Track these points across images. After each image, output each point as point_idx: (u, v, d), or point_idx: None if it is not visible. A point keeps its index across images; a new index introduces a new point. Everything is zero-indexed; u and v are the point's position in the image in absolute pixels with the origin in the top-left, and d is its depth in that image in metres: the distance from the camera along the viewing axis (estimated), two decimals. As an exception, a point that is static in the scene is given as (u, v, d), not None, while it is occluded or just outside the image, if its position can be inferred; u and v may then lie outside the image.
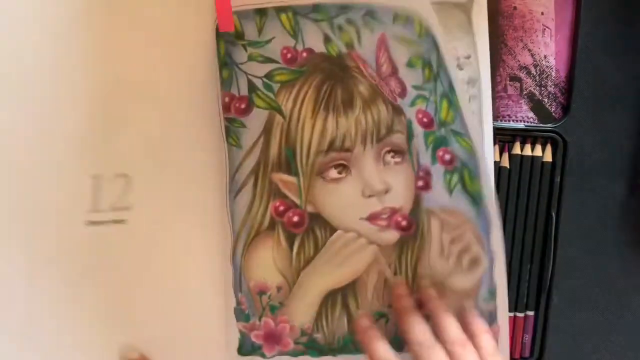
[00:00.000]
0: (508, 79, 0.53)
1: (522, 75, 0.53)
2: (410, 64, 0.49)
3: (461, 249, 0.51)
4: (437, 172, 0.50)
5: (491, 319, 0.52)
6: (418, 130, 0.49)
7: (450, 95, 0.49)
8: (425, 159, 0.50)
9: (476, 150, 0.50)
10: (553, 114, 0.54)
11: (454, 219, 0.51)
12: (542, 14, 0.53)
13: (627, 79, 0.53)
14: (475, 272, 0.51)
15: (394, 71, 0.49)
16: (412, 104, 0.49)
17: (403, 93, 0.49)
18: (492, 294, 0.51)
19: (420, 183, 0.50)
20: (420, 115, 0.49)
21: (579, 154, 0.54)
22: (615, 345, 0.57)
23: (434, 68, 0.49)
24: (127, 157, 0.47)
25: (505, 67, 0.53)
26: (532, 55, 0.53)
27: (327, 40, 0.48)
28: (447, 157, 0.50)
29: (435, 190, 0.50)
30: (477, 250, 0.51)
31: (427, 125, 0.49)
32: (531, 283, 0.56)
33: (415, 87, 0.49)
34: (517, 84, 0.54)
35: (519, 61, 0.53)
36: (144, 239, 0.48)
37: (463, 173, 0.50)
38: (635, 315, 0.56)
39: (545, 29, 0.53)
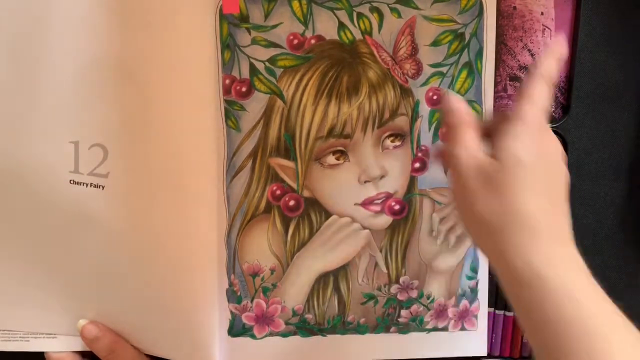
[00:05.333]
0: (508, 79, 0.54)
1: (522, 75, 0.54)
2: (434, 43, 0.49)
3: (449, 228, 0.52)
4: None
5: (473, 295, 0.52)
6: (425, 110, 0.50)
7: (474, 61, 0.50)
8: (426, 139, 0.50)
9: (485, 115, 0.51)
10: (553, 114, 0.54)
11: (444, 198, 0.52)
12: (542, 14, 0.53)
13: (627, 79, 0.53)
14: (461, 249, 0.52)
15: (413, 52, 0.49)
16: (425, 83, 0.50)
17: (417, 73, 0.49)
18: (475, 270, 0.52)
19: (417, 165, 0.51)
20: (430, 94, 0.50)
21: (579, 154, 0.54)
22: (615, 345, 0.56)
23: (465, 37, 0.50)
24: (105, 130, 0.47)
25: (505, 67, 0.54)
26: (532, 55, 0.54)
27: (341, 27, 0.48)
28: None
29: (431, 170, 0.51)
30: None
31: (436, 102, 0.50)
32: (530, 283, 0.55)
33: (433, 65, 0.50)
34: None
35: (518, 61, 0.54)
36: (122, 209, 0.48)
37: None
38: (636, 315, 0.55)
39: (545, 29, 0.53)
